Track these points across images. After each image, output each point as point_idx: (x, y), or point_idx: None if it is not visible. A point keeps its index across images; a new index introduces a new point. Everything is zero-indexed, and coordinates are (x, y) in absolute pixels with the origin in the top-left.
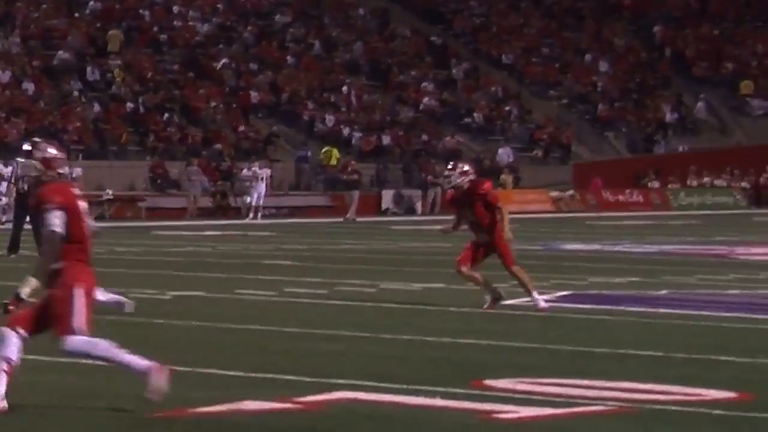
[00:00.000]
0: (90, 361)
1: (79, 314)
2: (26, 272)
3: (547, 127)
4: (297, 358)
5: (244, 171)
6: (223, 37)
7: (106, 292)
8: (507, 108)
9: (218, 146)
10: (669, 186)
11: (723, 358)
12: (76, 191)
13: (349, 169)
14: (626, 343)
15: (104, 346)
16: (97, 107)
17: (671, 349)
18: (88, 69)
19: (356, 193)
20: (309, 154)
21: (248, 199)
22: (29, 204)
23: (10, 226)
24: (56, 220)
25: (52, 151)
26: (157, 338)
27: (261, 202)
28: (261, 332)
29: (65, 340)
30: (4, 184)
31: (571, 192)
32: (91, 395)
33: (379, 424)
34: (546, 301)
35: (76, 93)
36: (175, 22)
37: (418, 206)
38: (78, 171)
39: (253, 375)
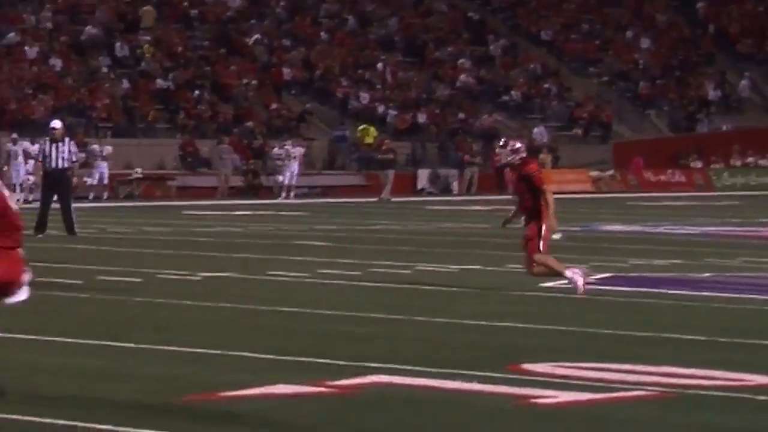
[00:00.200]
0: (118, 343)
1: None
2: (54, 252)
3: (587, 106)
4: (330, 340)
5: (276, 149)
6: (255, 12)
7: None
8: (546, 86)
9: (250, 124)
10: (712, 166)
11: (767, 342)
12: None
13: (384, 147)
14: (668, 327)
15: None
16: (126, 84)
17: (714, 333)
18: (117, 45)
19: (391, 173)
20: (347, 132)
21: (280, 178)
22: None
23: (37, 205)
24: None
25: None
26: (186, 320)
27: (294, 181)
28: (293, 314)
29: None
30: (31, 162)
31: (611, 172)
32: (118, 378)
33: (414, 409)
34: (586, 283)
35: (104, 69)
36: None
37: (455, 186)
38: (108, 149)
39: (284, 358)
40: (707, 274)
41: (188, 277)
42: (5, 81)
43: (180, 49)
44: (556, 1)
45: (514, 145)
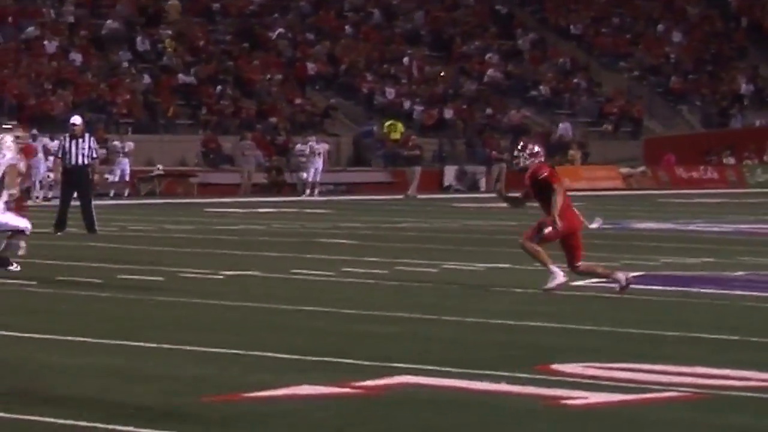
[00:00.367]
0: (139, 343)
1: None
2: (74, 250)
3: (617, 101)
4: (355, 340)
5: (299, 145)
6: (279, 5)
7: None
8: (575, 81)
9: (273, 120)
10: (745, 162)
11: None
12: None
13: (410, 144)
14: (700, 327)
15: None
16: (147, 79)
17: (747, 332)
18: (138, 39)
19: (417, 169)
20: (375, 128)
21: (304, 175)
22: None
23: (57, 202)
24: None
25: None
26: (209, 319)
27: (318, 178)
28: (318, 314)
29: None
30: (51, 159)
31: (642, 168)
32: (139, 379)
33: (441, 410)
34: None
35: (125, 64)
36: None
37: (482, 183)
38: (130, 145)
39: (308, 358)
40: (740, 273)
41: (210, 276)
42: (24, 76)
43: (202, 43)
44: None
45: (533, 149)
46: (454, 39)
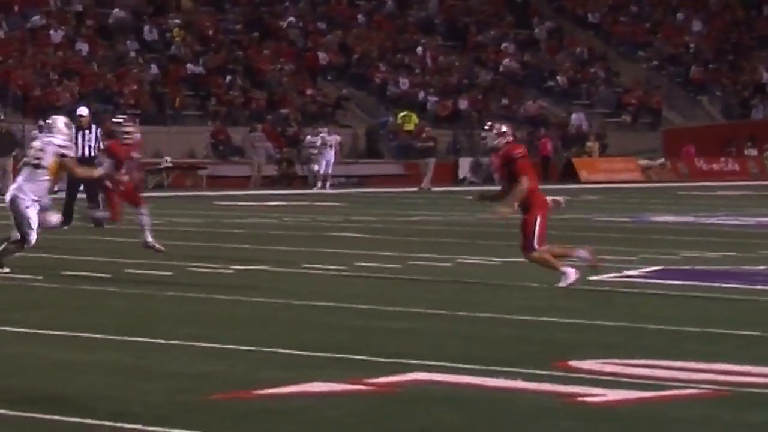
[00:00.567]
0: (147, 339)
1: None
2: (81, 244)
3: (636, 91)
4: (368, 336)
5: (309, 137)
6: None
7: None
8: (592, 70)
9: (284, 111)
10: (766, 153)
11: None
12: None
13: (424, 135)
14: (721, 322)
15: None
16: (154, 69)
17: None
18: (146, 28)
19: (431, 161)
20: (390, 119)
21: (316, 167)
22: None
23: (63, 195)
24: None
25: None
26: (218, 315)
27: (329, 170)
28: (329, 309)
29: None
30: None
31: (661, 160)
32: (148, 375)
33: (456, 407)
34: (632, 276)
35: (132, 54)
36: None
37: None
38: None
39: (321, 354)
40: (762, 267)
41: (220, 270)
42: (29, 66)
43: (211, 32)
44: None
45: (500, 129)
46: (469, 28)
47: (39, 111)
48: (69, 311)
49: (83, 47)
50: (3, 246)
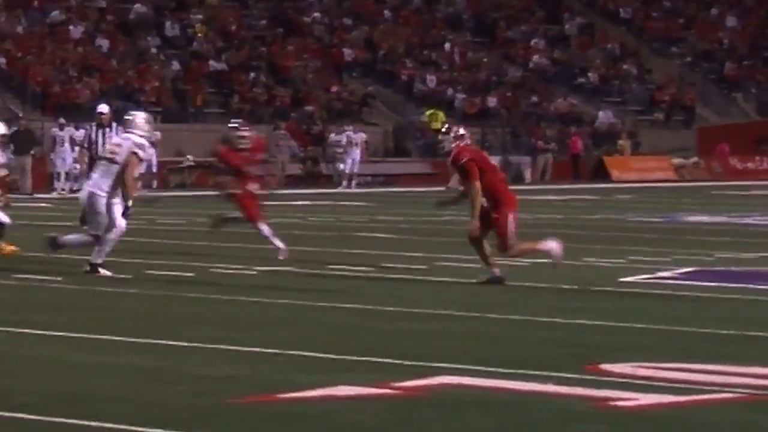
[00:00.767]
0: (169, 341)
1: None
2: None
3: (669, 88)
4: (395, 339)
5: (334, 135)
6: None
7: None
8: (624, 67)
9: (309, 108)
10: None
11: None
12: None
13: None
14: (757, 325)
15: None
16: (176, 65)
17: None
18: (167, 24)
19: None
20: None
21: (341, 166)
22: None
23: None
24: None
25: None
26: (242, 317)
27: (355, 169)
28: (355, 311)
29: None
30: (77, 149)
31: (694, 159)
32: (171, 378)
33: (484, 411)
34: (666, 277)
35: (153, 50)
36: None
37: (527, 174)
38: (157, 134)
39: (347, 357)
40: None
41: (243, 272)
42: (49, 62)
43: (234, 28)
44: None
45: (457, 132)
46: (498, 24)
47: (58, 108)
48: (90, 313)
49: (104, 43)
50: (97, 249)
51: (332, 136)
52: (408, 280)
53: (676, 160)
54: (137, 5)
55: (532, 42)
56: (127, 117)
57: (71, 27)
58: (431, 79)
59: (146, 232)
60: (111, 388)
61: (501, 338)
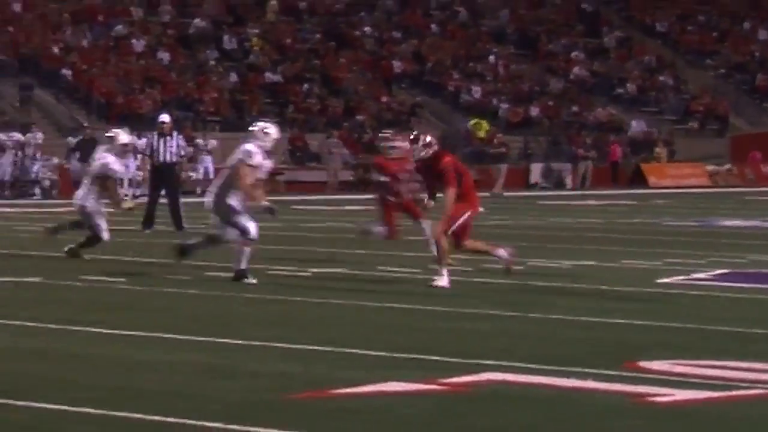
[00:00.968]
0: (227, 340)
1: None
2: (162, 247)
3: (703, 98)
4: (443, 337)
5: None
6: (365, 4)
7: None
8: (661, 78)
9: (360, 117)
10: None
11: None
12: None
13: (496, 141)
14: None
15: None
16: (234, 77)
17: None
18: (225, 38)
19: (503, 167)
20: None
21: None
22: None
23: (145, 200)
24: None
25: None
26: (297, 316)
27: None
28: (405, 311)
29: None
30: (139, 157)
31: (728, 166)
32: (228, 375)
33: (528, 406)
34: (701, 279)
35: (212, 62)
36: None
37: (568, 180)
38: (213, 142)
39: (396, 355)
40: None
41: (298, 273)
42: (113, 74)
43: (289, 41)
44: None
45: (425, 140)
46: (540, 37)
47: (121, 118)
48: (151, 312)
49: (165, 56)
50: (241, 255)
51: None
52: (455, 281)
53: (710, 167)
54: (197, 20)
55: (573, 54)
56: (251, 128)
57: (134, 41)
58: (476, 90)
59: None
60: (172, 384)
61: (543, 337)
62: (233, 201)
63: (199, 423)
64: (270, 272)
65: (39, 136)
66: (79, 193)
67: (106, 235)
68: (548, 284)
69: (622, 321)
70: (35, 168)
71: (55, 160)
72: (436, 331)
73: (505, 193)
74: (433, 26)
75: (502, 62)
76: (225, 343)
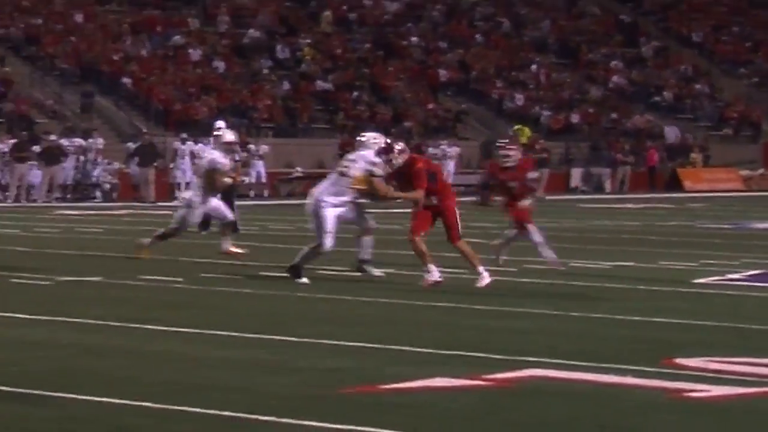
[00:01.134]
0: (280, 337)
1: None
2: (217, 248)
3: (737, 106)
4: (487, 335)
5: (430, 149)
6: (412, 15)
7: None
8: (697, 86)
9: (407, 124)
10: None
11: None
12: None
13: (538, 147)
14: None
15: None
16: (286, 85)
17: None
18: (278, 47)
19: (545, 171)
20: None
21: None
22: None
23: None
24: None
25: None
26: (347, 314)
27: (449, 180)
28: (450, 309)
29: None
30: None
31: (761, 170)
32: (281, 371)
33: (569, 402)
34: (735, 279)
35: (266, 71)
36: (364, 1)
37: (607, 184)
38: (264, 148)
39: (442, 352)
40: None
41: (348, 273)
42: (170, 82)
43: (339, 51)
44: (707, 3)
45: (398, 147)
46: (580, 47)
47: (179, 124)
48: (207, 310)
49: (220, 65)
50: (303, 252)
51: (429, 150)
52: (498, 281)
53: (744, 172)
54: (251, 30)
55: (612, 63)
56: (359, 138)
57: (191, 50)
58: (519, 98)
59: (259, 238)
60: (227, 379)
61: (583, 334)
62: (331, 211)
63: (254, 416)
64: (321, 272)
65: (100, 142)
66: (189, 192)
67: (230, 215)
68: (589, 284)
69: (660, 319)
70: (96, 172)
71: (116, 165)
72: (481, 329)
73: (547, 197)
74: (478, 36)
75: (544, 71)
76: (278, 340)
